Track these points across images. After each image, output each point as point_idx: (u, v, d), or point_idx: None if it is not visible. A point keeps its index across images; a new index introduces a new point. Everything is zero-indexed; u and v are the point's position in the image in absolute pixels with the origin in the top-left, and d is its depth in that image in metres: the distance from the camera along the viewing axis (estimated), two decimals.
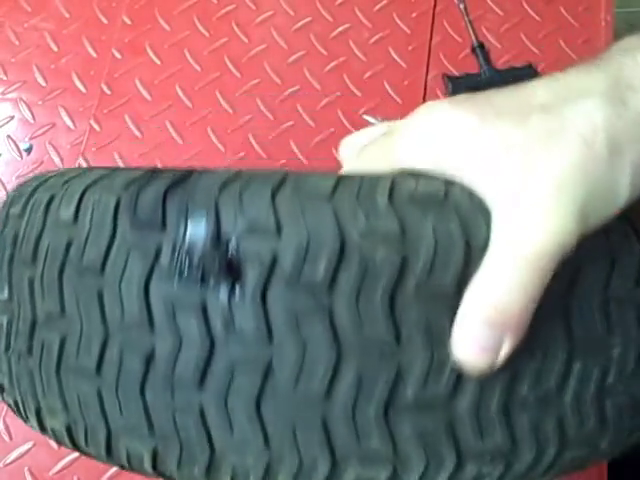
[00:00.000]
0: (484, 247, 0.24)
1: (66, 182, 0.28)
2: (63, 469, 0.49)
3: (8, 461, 0.49)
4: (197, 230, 0.24)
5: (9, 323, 0.33)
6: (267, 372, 0.24)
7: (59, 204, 0.27)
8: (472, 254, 0.24)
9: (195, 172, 0.25)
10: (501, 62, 0.69)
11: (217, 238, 0.23)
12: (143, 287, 0.25)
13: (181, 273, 0.24)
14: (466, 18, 0.71)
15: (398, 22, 0.71)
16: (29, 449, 0.50)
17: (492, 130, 0.25)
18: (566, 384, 0.26)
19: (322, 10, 0.71)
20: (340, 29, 0.70)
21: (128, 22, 0.70)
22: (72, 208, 0.26)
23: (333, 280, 0.23)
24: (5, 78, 0.67)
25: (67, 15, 0.70)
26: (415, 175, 0.25)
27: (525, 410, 0.26)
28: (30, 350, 0.31)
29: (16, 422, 0.51)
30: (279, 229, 0.23)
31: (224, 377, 0.25)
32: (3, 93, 0.66)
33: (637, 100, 0.26)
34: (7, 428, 0.50)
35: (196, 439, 0.26)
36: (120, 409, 0.27)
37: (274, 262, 0.23)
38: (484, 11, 0.72)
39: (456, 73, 0.68)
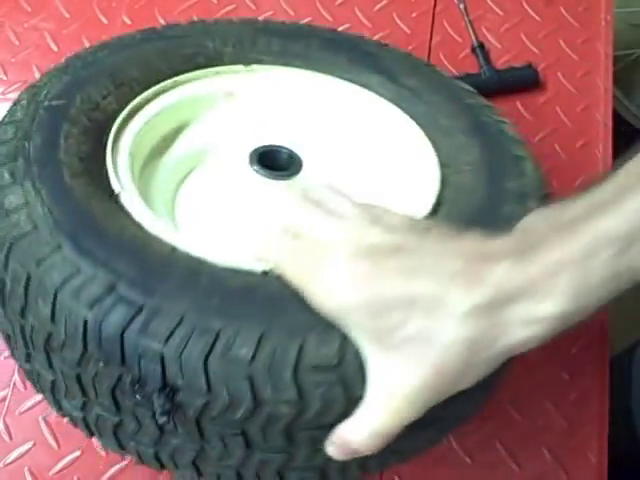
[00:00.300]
0: (359, 401, 0.33)
1: (39, 263, 0.34)
2: (63, 469, 0.49)
3: (8, 461, 0.49)
4: (148, 377, 0.33)
5: (8, 335, 0.39)
6: (199, 452, 0.36)
7: (37, 293, 0.34)
8: (350, 405, 0.33)
9: (149, 300, 0.33)
10: (501, 62, 0.69)
11: (163, 386, 0.33)
12: (111, 391, 0.34)
13: (135, 397, 0.33)
14: (466, 18, 0.71)
15: (398, 22, 0.71)
16: (29, 449, 0.50)
17: (385, 320, 0.31)
18: None
19: (322, 10, 0.71)
20: (340, 29, 0.70)
21: (128, 22, 0.70)
22: (48, 308, 0.34)
23: (249, 419, 0.33)
24: (5, 78, 0.67)
25: (67, 15, 0.70)
26: (320, 331, 0.33)
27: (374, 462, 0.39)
28: (28, 361, 0.39)
29: (16, 422, 0.51)
30: (209, 389, 0.32)
31: (170, 448, 0.37)
32: (3, 93, 0.66)
33: (506, 333, 0.31)
34: (7, 428, 0.50)
35: (153, 465, 0.39)
36: (100, 437, 0.39)
37: (205, 407, 0.33)
38: (484, 11, 0.72)
39: (456, 73, 0.68)
